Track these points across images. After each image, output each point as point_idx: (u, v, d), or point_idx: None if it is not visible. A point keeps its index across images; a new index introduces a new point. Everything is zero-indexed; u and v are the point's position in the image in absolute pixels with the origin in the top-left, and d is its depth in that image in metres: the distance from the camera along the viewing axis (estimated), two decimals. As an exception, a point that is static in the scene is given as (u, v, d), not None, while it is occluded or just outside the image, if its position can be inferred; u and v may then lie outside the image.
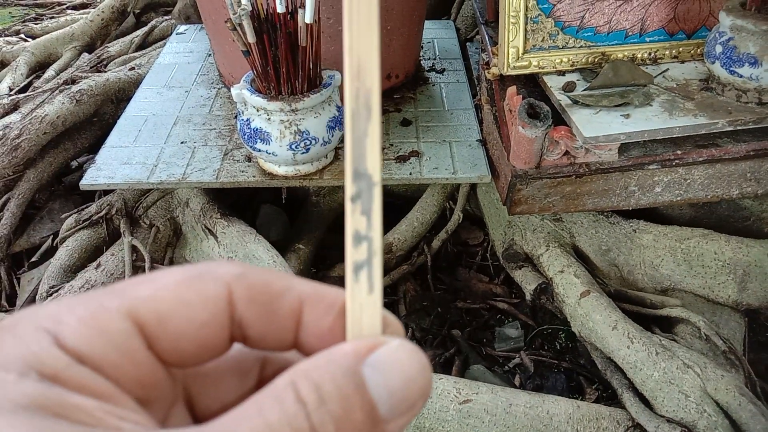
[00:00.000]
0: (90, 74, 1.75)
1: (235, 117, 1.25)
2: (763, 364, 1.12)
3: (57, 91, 1.61)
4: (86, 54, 2.02)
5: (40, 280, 1.28)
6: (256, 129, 1.13)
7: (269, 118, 1.12)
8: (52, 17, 2.51)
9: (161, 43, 1.93)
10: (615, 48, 1.14)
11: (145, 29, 2.09)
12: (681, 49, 1.15)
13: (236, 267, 0.25)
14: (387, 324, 0.25)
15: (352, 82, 0.24)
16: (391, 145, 1.30)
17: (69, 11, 2.58)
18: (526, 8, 1.09)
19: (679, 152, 1.05)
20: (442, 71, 1.56)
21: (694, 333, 1.10)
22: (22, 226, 1.47)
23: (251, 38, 1.07)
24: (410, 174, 1.22)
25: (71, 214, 1.38)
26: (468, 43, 1.70)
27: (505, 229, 1.30)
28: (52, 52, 2.06)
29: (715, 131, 1.03)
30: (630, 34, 1.13)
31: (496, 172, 1.20)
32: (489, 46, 1.21)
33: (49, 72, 1.95)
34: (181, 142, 1.31)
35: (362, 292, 0.25)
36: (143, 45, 2.05)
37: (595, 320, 1.10)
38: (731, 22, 1.01)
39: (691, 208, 1.22)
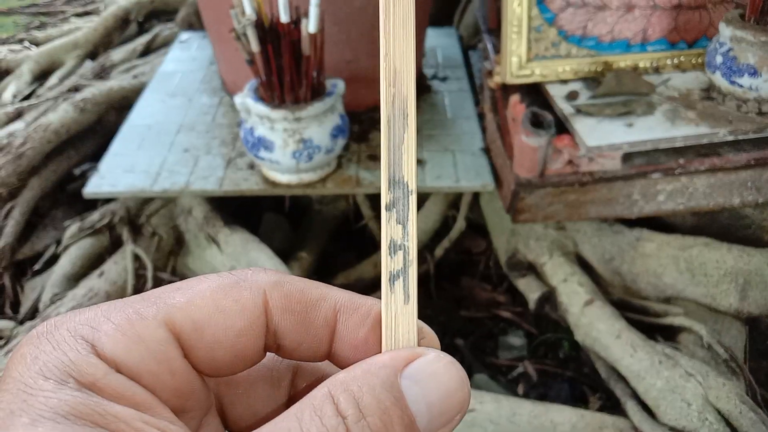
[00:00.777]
0: (93, 82, 1.76)
1: (239, 125, 1.26)
2: (763, 372, 1.12)
3: (60, 99, 1.61)
4: (89, 62, 2.03)
5: (44, 288, 1.29)
6: (260, 137, 1.14)
7: (273, 127, 1.12)
8: (56, 25, 2.52)
9: (164, 50, 1.94)
10: (618, 57, 1.14)
11: (148, 37, 2.10)
12: (682, 58, 1.16)
13: (272, 275, 0.25)
14: (423, 335, 0.25)
15: (388, 89, 0.24)
16: (394, 153, 1.30)
17: (72, 19, 2.59)
18: (529, 17, 1.09)
19: (681, 161, 1.06)
20: (444, 79, 1.57)
21: (697, 341, 1.10)
22: (26, 234, 1.47)
23: (255, 47, 1.07)
24: (413, 182, 1.22)
25: (74, 222, 1.38)
26: (471, 51, 1.71)
27: (509, 238, 1.31)
28: (55, 60, 2.06)
29: (716, 140, 1.03)
30: (632, 43, 1.14)
31: (499, 181, 1.21)
32: (492, 55, 1.21)
33: (53, 80, 1.96)
34: (184, 150, 1.32)
35: (398, 303, 0.24)
36: (146, 52, 2.06)
37: (599, 329, 1.10)
38: (731, 32, 1.01)
39: (694, 217, 1.22)
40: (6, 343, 1.14)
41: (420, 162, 1.27)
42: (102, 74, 1.89)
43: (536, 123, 1.05)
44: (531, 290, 1.24)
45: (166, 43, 2.06)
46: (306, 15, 1.07)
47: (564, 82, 1.15)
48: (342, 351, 0.26)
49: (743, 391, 0.99)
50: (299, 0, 1.08)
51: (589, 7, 1.11)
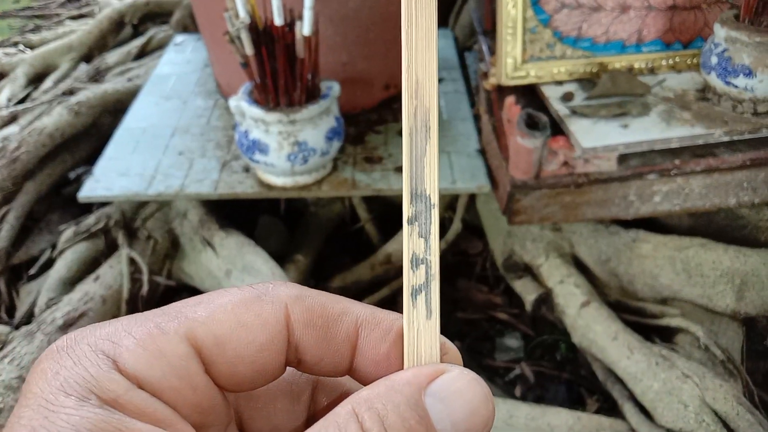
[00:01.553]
0: (88, 85, 1.75)
1: (234, 128, 1.25)
2: (760, 373, 1.11)
3: (55, 103, 1.61)
4: (84, 65, 2.03)
5: (39, 293, 1.28)
6: (255, 140, 1.13)
7: (267, 130, 1.12)
8: (50, 28, 2.51)
9: (159, 53, 1.94)
10: (613, 58, 1.14)
11: (142, 39, 2.09)
12: (677, 59, 1.16)
13: (294, 289, 0.25)
14: (445, 350, 0.25)
15: (410, 101, 0.23)
16: (390, 155, 1.30)
17: (67, 22, 2.58)
18: (524, 18, 1.09)
19: (677, 162, 1.06)
20: (440, 81, 1.57)
21: (693, 342, 1.10)
22: (21, 239, 1.46)
23: (249, 50, 1.07)
24: (409, 184, 1.22)
25: (69, 226, 1.37)
26: (466, 53, 1.70)
27: (505, 239, 1.30)
28: (50, 63, 2.06)
29: (711, 141, 1.03)
30: (627, 44, 1.14)
31: (495, 182, 1.20)
32: (487, 56, 1.21)
33: (47, 83, 1.96)
34: (179, 154, 1.31)
35: (420, 318, 0.24)
36: (141, 55, 2.05)
37: (596, 331, 1.10)
38: (726, 33, 1.01)
39: (690, 218, 1.22)
40: (2, 348, 1.13)
41: (416, 164, 1.26)
42: (97, 77, 1.89)
43: (531, 124, 1.05)
44: (527, 292, 1.24)
45: (161, 45, 2.06)
46: (300, 18, 1.06)
47: (559, 83, 1.14)
48: (363, 366, 0.25)
49: (740, 392, 0.98)
50: (293, 2, 1.07)
51: (584, 8, 1.11)
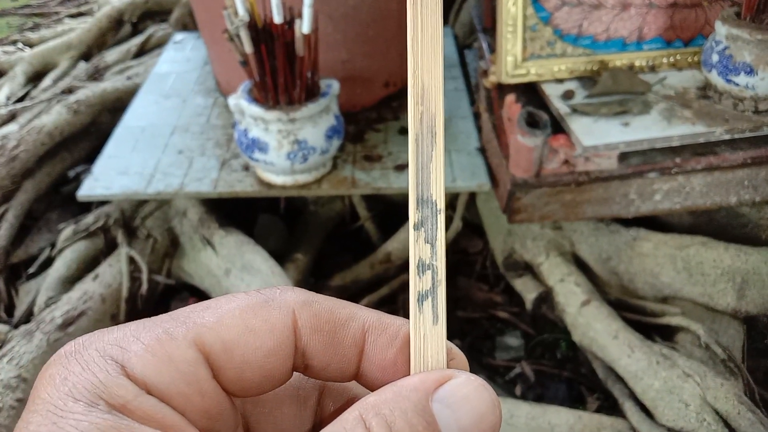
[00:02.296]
0: (87, 83, 1.75)
1: (233, 126, 1.25)
2: (761, 371, 1.11)
3: (54, 101, 1.61)
4: (83, 63, 2.02)
5: (38, 292, 1.28)
6: (254, 139, 1.13)
7: (267, 128, 1.11)
8: (49, 26, 2.51)
9: (158, 51, 1.93)
10: (613, 56, 1.14)
11: (141, 37, 2.09)
12: (678, 57, 1.16)
13: (301, 294, 0.25)
14: (452, 356, 0.25)
15: (416, 107, 0.23)
16: (390, 153, 1.29)
17: (66, 20, 2.58)
18: (524, 16, 1.09)
19: (678, 160, 1.05)
20: (439, 79, 1.56)
21: (694, 341, 1.09)
22: (20, 237, 1.46)
23: (248, 49, 1.06)
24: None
25: (68, 225, 1.37)
26: (466, 51, 1.70)
27: (505, 238, 1.30)
28: (49, 62, 2.05)
29: (712, 139, 1.03)
30: (628, 42, 1.13)
31: (495, 181, 1.20)
32: (487, 54, 1.21)
33: (46, 81, 1.95)
34: (179, 152, 1.31)
35: (427, 323, 0.24)
36: (140, 53, 2.05)
37: (596, 329, 1.10)
38: (727, 31, 1.01)
39: (690, 216, 1.21)
40: (1, 347, 1.13)
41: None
42: (96, 75, 1.88)
43: (532, 123, 1.05)
44: (528, 290, 1.24)
45: (160, 44, 2.05)
46: (299, 15, 1.06)
47: (560, 81, 1.14)
48: (370, 371, 0.25)
49: (741, 390, 0.98)
50: (293, 0, 1.07)
51: (585, 5, 1.11)
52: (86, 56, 2.09)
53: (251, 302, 0.24)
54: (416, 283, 0.24)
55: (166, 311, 0.24)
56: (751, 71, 1.00)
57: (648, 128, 1.02)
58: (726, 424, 0.94)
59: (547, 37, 1.12)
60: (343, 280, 1.35)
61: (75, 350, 0.22)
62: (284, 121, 1.10)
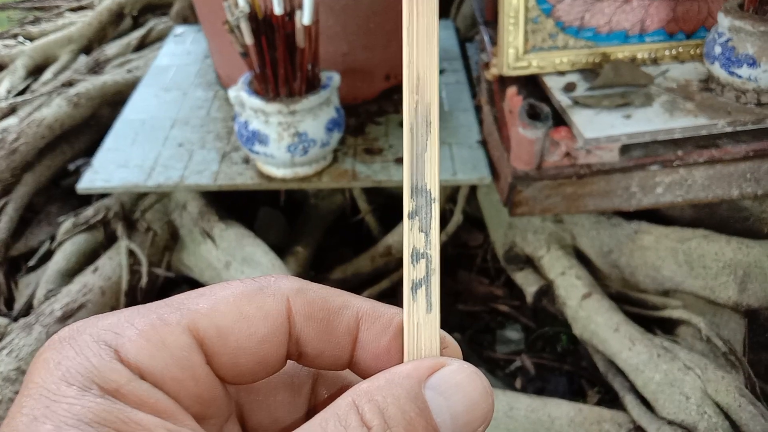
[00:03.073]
0: (87, 77, 1.74)
1: (233, 119, 1.25)
2: (762, 364, 1.11)
3: (54, 94, 1.60)
4: (84, 56, 2.02)
5: (38, 284, 1.28)
6: (254, 131, 1.13)
7: (267, 120, 1.11)
8: (50, 20, 2.50)
9: (158, 44, 1.93)
10: (615, 48, 1.13)
11: (142, 31, 2.08)
12: (681, 49, 1.15)
13: (295, 282, 0.25)
14: (445, 344, 0.25)
15: (411, 96, 0.24)
16: (391, 146, 1.29)
17: (67, 14, 2.57)
18: (526, 8, 1.08)
19: (679, 153, 1.05)
20: (441, 72, 1.56)
21: (695, 334, 1.09)
22: (20, 230, 1.46)
23: (249, 40, 1.06)
24: (409, 176, 1.21)
25: (68, 218, 1.37)
26: (467, 43, 1.69)
27: (506, 231, 1.30)
28: (49, 55, 2.05)
29: (715, 132, 1.02)
30: (630, 34, 1.13)
31: (496, 174, 1.20)
32: (488, 47, 1.20)
33: (47, 75, 1.95)
34: (179, 145, 1.31)
35: (420, 311, 0.24)
36: (141, 47, 2.04)
37: (597, 322, 1.10)
38: (730, 23, 1.00)
39: (692, 209, 1.21)
40: (0, 340, 1.13)
41: (416, 155, 1.25)
42: (96, 69, 1.88)
43: (533, 115, 1.04)
44: (528, 284, 1.23)
45: (161, 37, 2.05)
46: (300, 7, 1.06)
47: (561, 73, 1.14)
48: (363, 360, 0.26)
49: (742, 384, 0.98)
50: (293, -9, 1.07)
51: (587, -3, 1.10)
52: (87, 50, 2.08)
53: (245, 289, 0.24)
54: (410, 272, 0.24)
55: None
56: (753, 63, 1.00)
57: (650, 121, 1.02)
58: (727, 417, 0.94)
59: (549, 30, 1.11)
60: (343, 273, 1.35)
61: (69, 335, 0.22)
62: (284, 114, 1.10)
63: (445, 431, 0.22)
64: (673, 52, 1.15)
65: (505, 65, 1.11)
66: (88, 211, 1.36)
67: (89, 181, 1.22)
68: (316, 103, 1.11)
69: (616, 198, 1.09)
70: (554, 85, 1.11)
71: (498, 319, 1.31)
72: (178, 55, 1.70)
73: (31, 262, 1.39)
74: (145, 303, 0.24)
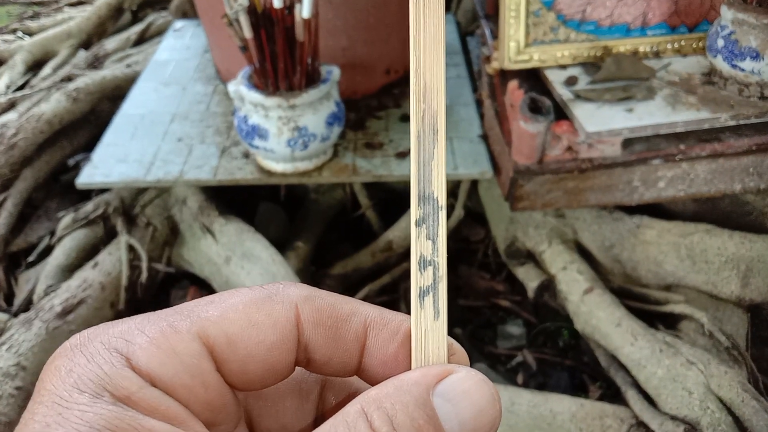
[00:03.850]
0: (86, 72, 1.74)
1: (233, 114, 1.24)
2: (765, 359, 1.10)
3: (53, 89, 1.60)
4: (83, 51, 2.01)
5: (38, 280, 1.27)
6: (254, 125, 1.12)
7: (267, 115, 1.10)
8: (49, 15, 2.49)
9: (158, 39, 1.92)
10: (617, 41, 1.12)
11: (141, 25, 2.08)
12: (683, 42, 1.14)
13: (304, 289, 0.26)
14: (452, 351, 0.25)
15: (418, 104, 0.24)
16: (391, 141, 1.28)
17: (66, 9, 2.56)
18: (527, 1, 1.07)
19: (682, 147, 1.04)
20: (441, 66, 1.55)
21: (698, 329, 1.08)
22: (20, 225, 1.45)
23: (248, 34, 1.05)
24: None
25: (68, 213, 1.36)
26: (468, 37, 1.69)
27: (507, 226, 1.29)
28: (49, 50, 2.04)
29: (717, 126, 1.02)
30: (632, 27, 1.12)
31: (497, 168, 1.19)
32: (489, 40, 1.20)
33: (46, 70, 1.94)
34: (178, 140, 1.30)
35: (428, 319, 0.24)
36: (140, 41, 2.03)
37: (599, 317, 1.09)
38: (733, 15, 1.00)
39: (694, 204, 1.20)
40: (0, 335, 1.12)
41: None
42: (95, 64, 1.87)
43: (535, 109, 1.03)
44: (530, 278, 1.23)
45: (160, 32, 2.04)
46: (299, 0, 1.05)
47: (563, 67, 1.13)
48: (371, 366, 0.26)
49: (745, 379, 0.97)
50: (293, -15, 1.06)
51: (588, -10, 1.09)
52: (86, 45, 2.07)
53: (255, 297, 0.25)
54: (417, 279, 0.24)
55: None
56: (757, 56, 0.99)
57: (652, 114, 1.01)
58: (730, 412, 0.93)
59: (550, 23, 1.10)
60: (344, 268, 1.34)
61: (80, 342, 0.22)
62: (284, 108, 1.09)
63: None
64: (676, 45, 1.14)
65: (506, 59, 1.11)
66: (88, 207, 1.36)
67: (88, 176, 1.21)
68: (316, 97, 1.11)
69: (618, 192, 1.08)
70: (556, 79, 1.10)
71: (499, 314, 1.30)
72: (178, 50, 1.69)
73: (31, 258, 1.38)
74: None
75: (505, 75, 1.14)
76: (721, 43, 1.02)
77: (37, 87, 1.72)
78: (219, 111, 1.40)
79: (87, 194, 1.44)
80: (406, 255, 1.37)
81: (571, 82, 1.09)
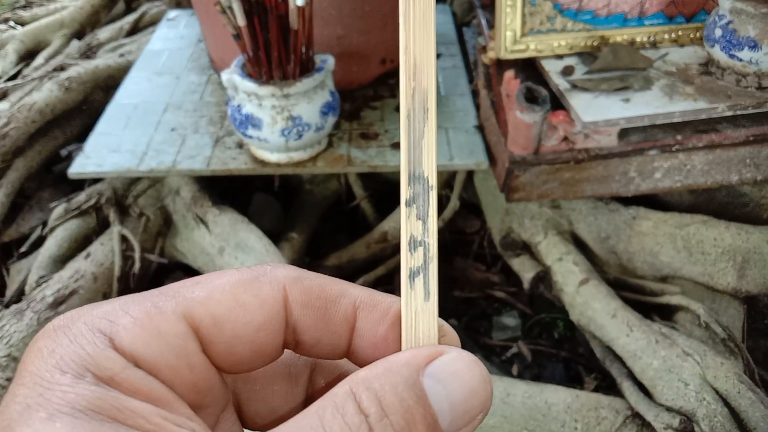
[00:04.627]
0: (79, 61, 1.72)
1: (227, 103, 1.23)
2: (761, 351, 1.10)
3: (46, 79, 1.58)
4: (76, 41, 1.99)
5: (30, 271, 1.26)
6: (248, 115, 1.11)
7: (261, 104, 1.09)
8: (42, 5, 2.47)
9: (151, 29, 1.90)
10: (614, 31, 1.11)
11: (135, 15, 2.06)
12: (680, 32, 1.13)
13: (292, 270, 0.25)
14: (443, 332, 0.25)
15: (408, 82, 0.23)
16: (387, 131, 1.27)
17: (58, -2, 2.54)
18: (524, -10, 1.06)
19: (679, 137, 1.03)
20: (438, 56, 1.54)
21: (694, 320, 1.08)
22: (11, 216, 1.44)
23: (241, 21, 1.04)
24: (405, 161, 1.19)
25: (60, 203, 1.35)
26: (464, 27, 1.68)
27: (503, 217, 1.29)
28: (41, 40, 2.02)
29: (714, 116, 1.01)
30: (629, 17, 1.11)
31: (493, 159, 1.18)
32: (486, 30, 1.19)
33: (39, 59, 1.92)
34: (172, 129, 1.29)
35: (418, 300, 0.24)
36: (133, 31, 2.02)
37: (594, 308, 1.09)
38: (731, 4, 0.99)
39: (691, 195, 1.20)
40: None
41: (412, 140, 1.24)
42: (88, 53, 1.85)
43: (531, 99, 1.03)
44: (525, 270, 1.22)
45: (154, 21, 2.02)
46: (294, -12, 1.04)
47: (559, 57, 1.12)
48: (361, 348, 0.26)
49: (741, 370, 0.97)
50: (287, -28, 1.05)
51: (585, -21, 1.08)
52: (79, 34, 2.06)
53: (242, 277, 0.24)
54: (408, 260, 0.24)
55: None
56: (755, 46, 0.98)
57: (649, 104, 1.01)
58: (725, 403, 0.93)
59: (547, 12, 1.10)
60: (338, 259, 1.34)
61: (63, 324, 0.22)
62: (278, 97, 1.08)
63: (444, 419, 0.22)
64: (673, 35, 1.13)
65: (502, 48, 1.10)
66: (80, 197, 1.35)
67: (81, 166, 1.20)
68: (310, 87, 1.09)
69: (614, 183, 1.08)
70: (552, 69, 1.09)
71: (495, 305, 1.30)
72: (171, 40, 1.67)
73: (23, 248, 1.37)
74: (138, 289, 0.23)
75: (501, 65, 1.13)
76: (718, 32, 1.02)
77: (29, 77, 1.71)
78: (213, 101, 1.39)
79: (79, 184, 1.43)
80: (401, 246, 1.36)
81: (567, 72, 1.08)
